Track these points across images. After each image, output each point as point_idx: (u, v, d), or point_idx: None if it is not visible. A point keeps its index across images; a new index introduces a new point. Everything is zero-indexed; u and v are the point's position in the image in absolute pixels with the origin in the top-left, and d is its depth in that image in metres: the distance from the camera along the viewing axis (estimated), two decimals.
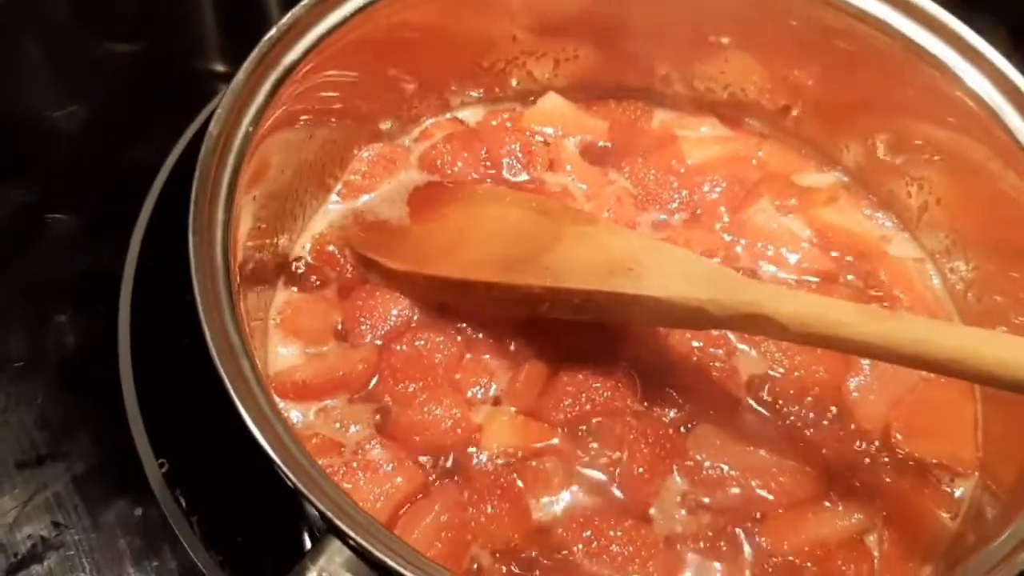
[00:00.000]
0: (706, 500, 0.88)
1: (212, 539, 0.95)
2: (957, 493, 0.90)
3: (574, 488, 0.88)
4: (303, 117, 0.96)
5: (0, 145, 1.27)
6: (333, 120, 1.03)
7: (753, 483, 0.88)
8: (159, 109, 1.32)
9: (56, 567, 0.96)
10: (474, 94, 1.16)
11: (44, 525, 0.98)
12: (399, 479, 0.85)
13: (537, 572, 0.83)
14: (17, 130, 1.30)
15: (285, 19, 0.90)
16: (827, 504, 0.87)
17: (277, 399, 0.91)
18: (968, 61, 0.93)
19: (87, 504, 1.00)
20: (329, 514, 0.63)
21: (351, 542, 0.63)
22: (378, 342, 0.94)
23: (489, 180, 1.09)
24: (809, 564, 0.84)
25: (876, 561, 0.85)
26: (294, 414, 0.91)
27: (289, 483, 0.64)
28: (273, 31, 0.89)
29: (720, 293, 0.82)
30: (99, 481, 1.01)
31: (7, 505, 0.99)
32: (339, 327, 0.96)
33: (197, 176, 0.78)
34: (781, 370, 0.95)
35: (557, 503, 0.87)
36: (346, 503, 0.66)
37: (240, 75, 0.85)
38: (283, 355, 0.94)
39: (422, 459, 0.88)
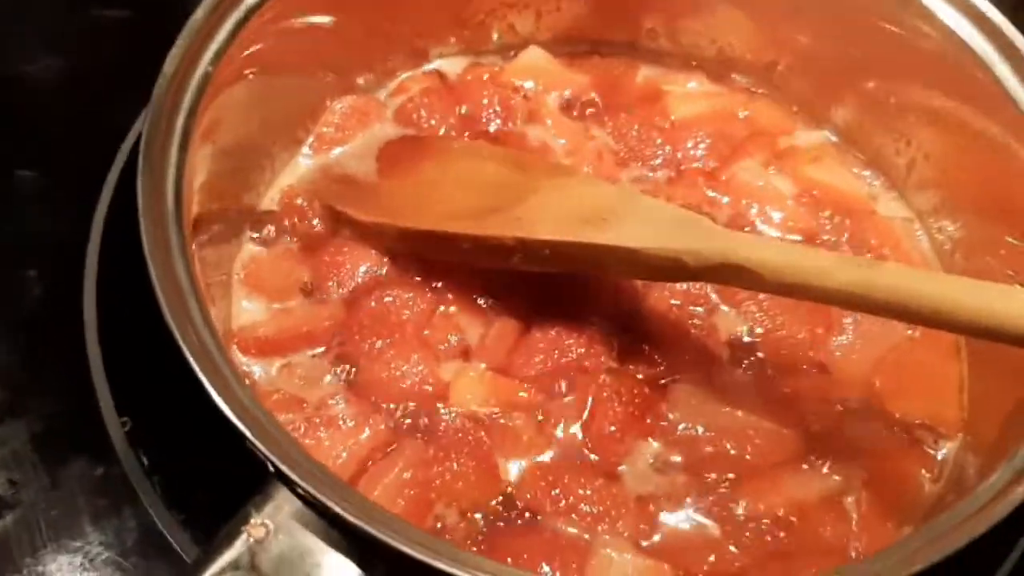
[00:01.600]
0: (680, 460, 0.85)
1: (173, 499, 0.92)
2: (940, 454, 0.87)
3: (544, 446, 0.85)
4: (269, 63, 0.92)
5: None
6: (304, 69, 1.01)
7: (728, 444, 0.85)
8: (138, 72, 1.29)
9: (12, 526, 0.93)
10: (453, 47, 1.13)
11: (1, 483, 0.95)
12: (363, 435, 0.82)
13: (504, 531, 0.80)
14: None
15: None
16: (805, 466, 0.84)
17: (240, 355, 0.88)
18: (959, 11, 0.90)
19: (46, 463, 0.97)
20: (274, 459, 0.60)
21: (299, 490, 0.61)
22: (346, 298, 0.91)
23: (467, 135, 1.06)
24: (784, 526, 0.81)
25: (854, 523, 0.82)
26: (257, 369, 0.88)
27: (233, 428, 0.61)
28: None
29: (696, 243, 0.79)
30: (60, 440, 0.98)
31: None
32: (306, 282, 0.93)
33: (149, 115, 0.75)
34: (761, 329, 0.92)
35: (526, 461, 0.84)
36: (295, 450, 0.63)
37: (199, 12, 0.82)
38: (248, 310, 0.91)
39: (388, 415, 0.85)
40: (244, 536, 0.61)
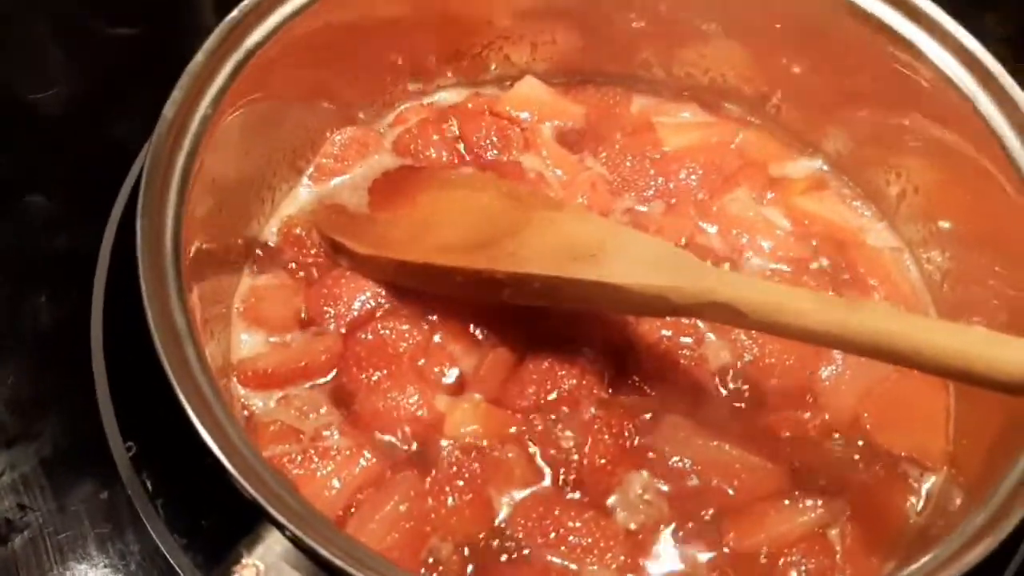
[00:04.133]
0: (668, 492, 0.87)
1: (176, 523, 0.94)
2: (924, 487, 0.88)
3: (535, 478, 0.87)
4: (268, 100, 0.94)
5: None
6: (304, 103, 1.02)
7: (715, 478, 0.87)
8: (148, 92, 1.31)
9: (20, 550, 0.95)
10: (452, 78, 1.15)
11: (10, 507, 0.98)
12: (356, 467, 0.84)
13: (495, 565, 0.82)
14: None
15: (246, 1, 0.88)
16: (788, 501, 0.85)
17: (240, 387, 0.90)
18: (945, 48, 0.91)
19: (54, 487, 0.99)
20: (261, 501, 0.62)
21: (287, 533, 0.63)
22: (342, 330, 0.93)
23: (463, 165, 1.08)
24: (769, 559, 0.83)
25: (838, 556, 0.83)
26: (257, 402, 0.90)
27: (223, 470, 0.63)
28: (235, 12, 0.88)
29: (681, 280, 0.81)
30: (67, 463, 1.00)
31: None
32: (303, 315, 0.95)
33: (149, 158, 0.77)
34: (750, 358, 0.93)
35: (518, 494, 0.86)
36: (285, 491, 0.65)
37: (199, 56, 0.84)
38: (247, 343, 0.93)
39: (383, 446, 0.87)
40: None
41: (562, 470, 0.88)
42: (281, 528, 0.63)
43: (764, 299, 0.77)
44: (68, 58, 1.37)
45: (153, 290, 0.71)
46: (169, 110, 0.80)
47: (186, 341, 0.71)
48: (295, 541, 0.63)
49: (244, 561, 0.63)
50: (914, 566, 0.69)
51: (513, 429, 0.89)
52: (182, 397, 0.66)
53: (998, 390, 0.68)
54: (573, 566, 0.82)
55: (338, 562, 0.61)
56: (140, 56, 1.36)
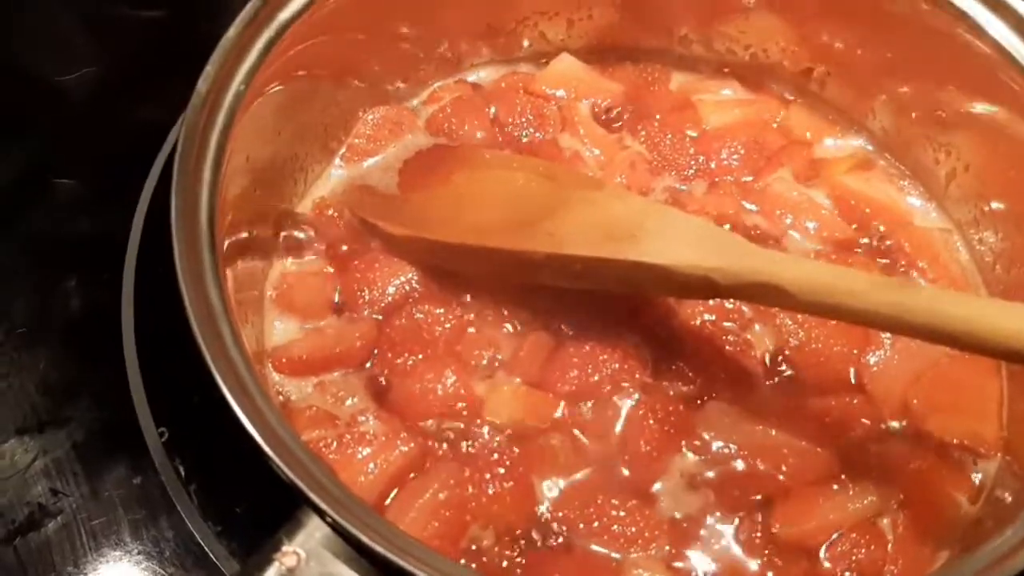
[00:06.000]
0: (713, 479, 0.85)
1: (210, 509, 0.93)
2: (978, 475, 0.86)
3: (579, 465, 0.85)
4: (301, 76, 0.93)
5: (8, 105, 1.25)
6: (337, 81, 1.00)
7: (763, 464, 0.84)
8: (175, 74, 1.29)
9: (54, 535, 0.94)
10: (486, 56, 1.13)
11: (43, 492, 0.97)
12: (393, 452, 0.82)
13: (538, 555, 0.80)
14: (26, 91, 1.29)
15: None
16: (839, 486, 0.83)
17: (275, 374, 0.89)
18: (1000, 18, 0.88)
19: (87, 472, 0.98)
20: (303, 487, 0.60)
21: (328, 519, 0.61)
22: (377, 315, 0.92)
23: (498, 144, 1.06)
24: (820, 548, 0.80)
25: (890, 545, 0.81)
26: (292, 388, 0.89)
27: (263, 454, 0.62)
28: None
29: (726, 261, 0.78)
30: (99, 449, 1.00)
31: (7, 471, 0.98)
32: (337, 300, 0.93)
33: (183, 134, 0.76)
34: (796, 342, 0.91)
35: (561, 481, 0.84)
36: (324, 477, 0.63)
37: (231, 32, 0.82)
38: (280, 329, 0.92)
39: (420, 432, 0.86)
40: (276, 565, 0.62)
41: (606, 456, 0.85)
42: (322, 514, 0.61)
43: (814, 279, 0.74)
44: (94, 40, 1.36)
45: (188, 268, 0.70)
46: (203, 85, 0.78)
47: (222, 322, 0.69)
48: (336, 527, 0.61)
49: (285, 548, 0.61)
50: (970, 559, 0.67)
51: (557, 414, 0.87)
52: (219, 378, 0.64)
53: None
54: (617, 555, 0.80)
55: (379, 548, 0.59)
56: (166, 38, 1.35)
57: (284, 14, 0.87)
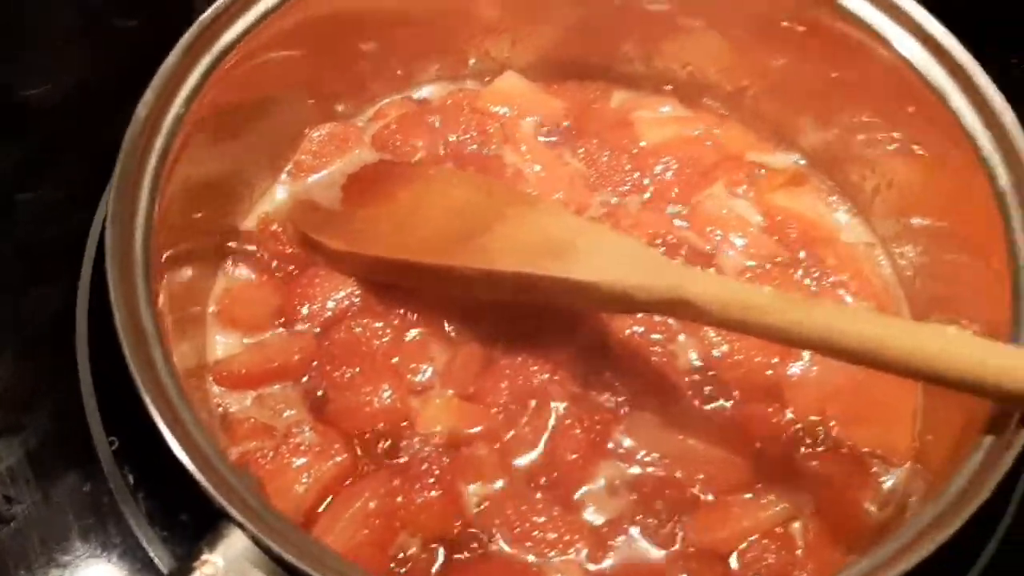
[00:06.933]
0: (635, 487, 0.88)
1: (156, 516, 0.96)
2: (888, 483, 0.89)
3: (505, 473, 0.88)
4: (245, 99, 0.95)
5: None
6: (281, 101, 1.03)
7: (682, 473, 0.88)
8: (139, 89, 1.32)
9: (7, 540, 0.97)
10: (433, 73, 1.15)
11: None
12: (328, 463, 0.86)
13: (463, 560, 0.84)
14: None
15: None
16: (754, 494, 0.87)
17: (216, 387, 0.92)
18: (919, 41, 0.91)
19: (39, 479, 1.01)
20: (219, 499, 0.63)
21: (247, 531, 0.64)
22: (317, 329, 0.95)
23: (442, 160, 1.09)
24: (731, 552, 0.84)
25: (799, 551, 0.84)
26: (232, 400, 0.92)
27: (184, 468, 0.65)
28: (209, 11, 0.89)
29: (645, 277, 0.82)
30: (52, 457, 1.02)
31: None
32: (278, 314, 0.96)
33: (120, 159, 0.79)
34: (719, 354, 0.94)
35: (488, 490, 0.88)
36: (245, 490, 0.66)
37: (171, 57, 0.85)
38: (222, 344, 0.95)
39: (355, 443, 0.89)
40: (196, 574, 0.65)
41: (532, 465, 0.89)
42: (240, 526, 0.64)
43: (722, 295, 0.78)
44: (61, 54, 1.37)
45: (121, 293, 0.73)
46: (142, 110, 0.81)
47: (153, 343, 0.72)
48: (254, 539, 0.64)
49: (204, 557, 0.65)
50: (864, 561, 0.70)
51: (488, 425, 0.90)
52: (145, 396, 0.68)
53: (942, 385, 0.69)
54: (539, 560, 0.83)
55: (290, 558, 0.62)
56: (132, 51, 1.36)
57: (226, 38, 0.89)
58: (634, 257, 0.85)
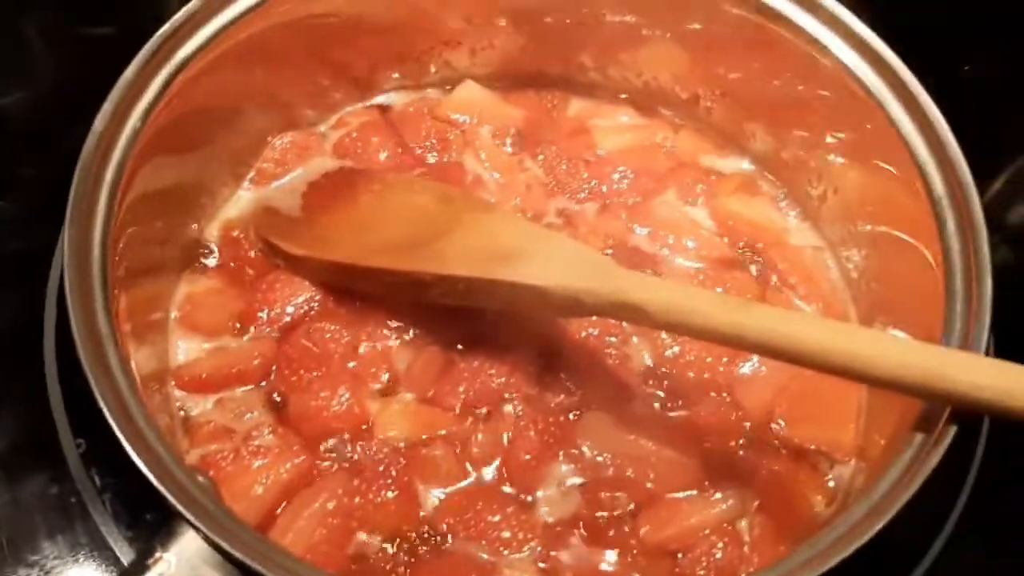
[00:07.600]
0: (588, 487, 0.90)
1: (122, 516, 0.98)
2: (833, 479, 0.92)
3: (462, 475, 0.91)
4: (204, 110, 0.97)
5: None
6: (243, 111, 1.05)
7: (633, 472, 0.90)
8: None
9: None
10: (395, 82, 1.17)
11: None
12: (286, 464, 0.88)
13: (420, 559, 0.86)
14: None
15: (180, 14, 0.91)
16: (703, 493, 0.89)
17: (177, 391, 0.94)
18: (850, 46, 0.94)
19: (8, 480, 1.03)
20: (171, 499, 0.65)
21: (200, 532, 0.66)
22: (276, 334, 0.97)
23: (403, 167, 1.11)
24: (680, 550, 0.87)
25: (746, 546, 0.87)
26: (193, 404, 0.94)
27: (137, 469, 0.67)
28: (167, 26, 0.90)
29: (593, 282, 0.84)
30: (20, 458, 1.04)
31: None
32: (239, 319, 0.98)
33: (77, 172, 0.81)
34: (671, 355, 0.97)
35: (444, 490, 0.90)
36: (197, 491, 0.68)
37: (128, 72, 0.87)
38: (183, 349, 0.97)
39: (313, 446, 0.91)
40: (150, 571, 0.67)
41: (488, 466, 0.91)
42: (192, 525, 0.67)
43: (667, 300, 0.80)
44: (30, 63, 1.39)
45: (78, 300, 0.75)
46: (99, 123, 0.83)
47: (110, 349, 0.74)
48: (206, 538, 0.66)
49: (157, 555, 0.67)
50: (802, 552, 0.73)
51: (446, 427, 0.93)
52: (100, 401, 0.70)
53: (876, 386, 0.72)
54: (493, 558, 0.86)
55: (240, 555, 0.64)
56: (102, 60, 1.37)
57: (186, 49, 0.91)
58: (582, 262, 0.88)
